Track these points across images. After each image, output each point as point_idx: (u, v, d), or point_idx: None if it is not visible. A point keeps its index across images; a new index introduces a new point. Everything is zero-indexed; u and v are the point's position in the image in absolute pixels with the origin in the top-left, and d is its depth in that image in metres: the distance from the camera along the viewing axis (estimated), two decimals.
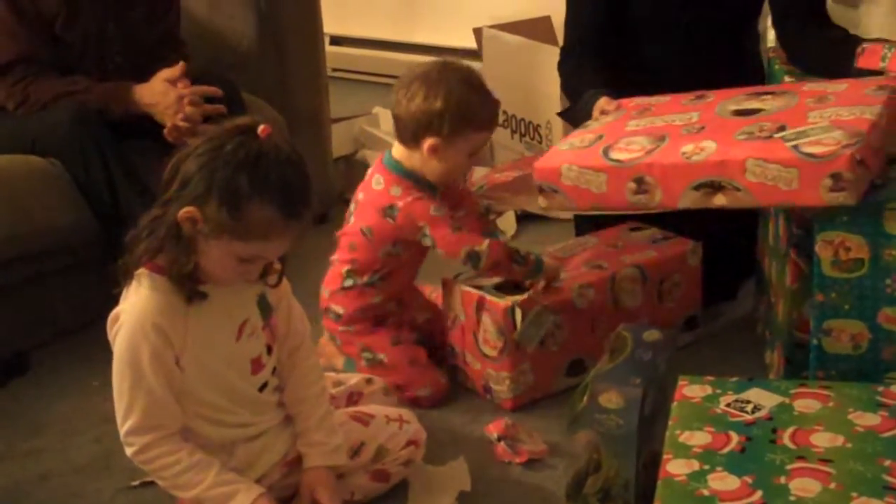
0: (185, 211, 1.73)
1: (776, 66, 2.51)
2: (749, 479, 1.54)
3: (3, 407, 2.48)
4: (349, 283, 2.40)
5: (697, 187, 1.98)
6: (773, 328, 2.30)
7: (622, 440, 1.90)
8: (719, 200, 1.97)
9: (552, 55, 3.39)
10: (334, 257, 2.45)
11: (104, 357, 2.62)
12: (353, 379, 2.23)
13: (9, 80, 2.73)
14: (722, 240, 2.65)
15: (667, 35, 2.63)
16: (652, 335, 2.05)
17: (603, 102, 2.37)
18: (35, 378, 2.59)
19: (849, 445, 1.61)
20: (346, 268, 2.40)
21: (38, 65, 2.74)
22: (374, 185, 2.38)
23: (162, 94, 2.67)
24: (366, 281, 2.39)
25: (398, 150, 2.39)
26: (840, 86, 2.13)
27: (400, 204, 2.32)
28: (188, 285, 1.80)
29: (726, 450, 1.62)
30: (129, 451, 1.84)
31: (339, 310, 2.42)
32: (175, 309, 1.81)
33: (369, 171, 2.44)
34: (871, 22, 3.40)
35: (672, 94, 2.35)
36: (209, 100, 2.69)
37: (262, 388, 1.94)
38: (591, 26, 2.64)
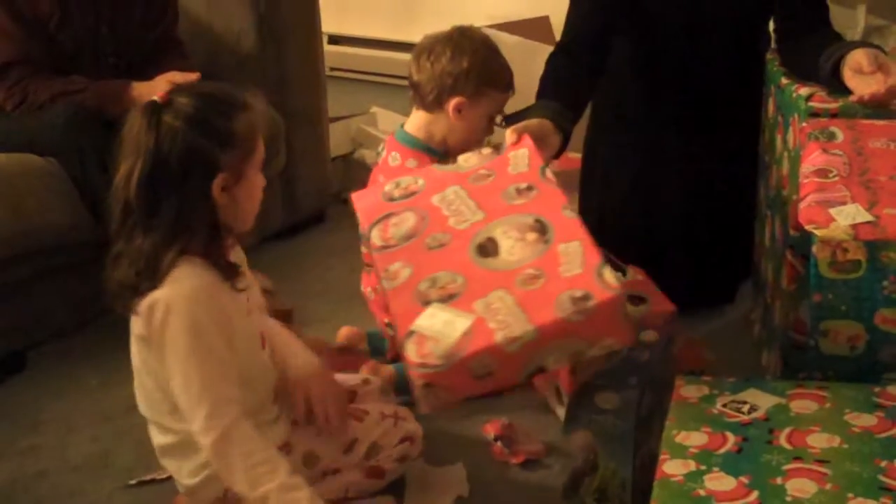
0: (216, 184, 1.78)
1: (774, 67, 2.52)
2: (745, 480, 1.55)
3: (0, 405, 2.48)
4: None
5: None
6: (769, 329, 2.30)
7: (619, 440, 1.90)
8: None
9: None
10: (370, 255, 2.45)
11: (101, 355, 2.64)
12: (351, 380, 2.23)
13: (7, 82, 2.73)
14: (719, 241, 2.66)
15: (677, 35, 2.61)
16: (648, 335, 2.05)
17: (508, 133, 2.21)
18: (33, 376, 2.59)
19: (845, 446, 1.61)
20: None
21: (35, 65, 2.75)
22: (391, 162, 2.40)
23: None
24: None
25: (411, 124, 2.42)
26: (574, 269, 1.84)
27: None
28: (224, 261, 1.84)
29: (723, 450, 1.63)
30: (208, 439, 1.78)
31: None
32: (218, 286, 1.83)
33: (381, 151, 2.45)
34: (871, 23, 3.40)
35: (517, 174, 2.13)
36: None
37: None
38: (585, 28, 2.61)
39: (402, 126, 2.43)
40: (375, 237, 2.04)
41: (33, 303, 2.67)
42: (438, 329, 1.78)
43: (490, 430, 2.24)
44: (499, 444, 2.21)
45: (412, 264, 1.95)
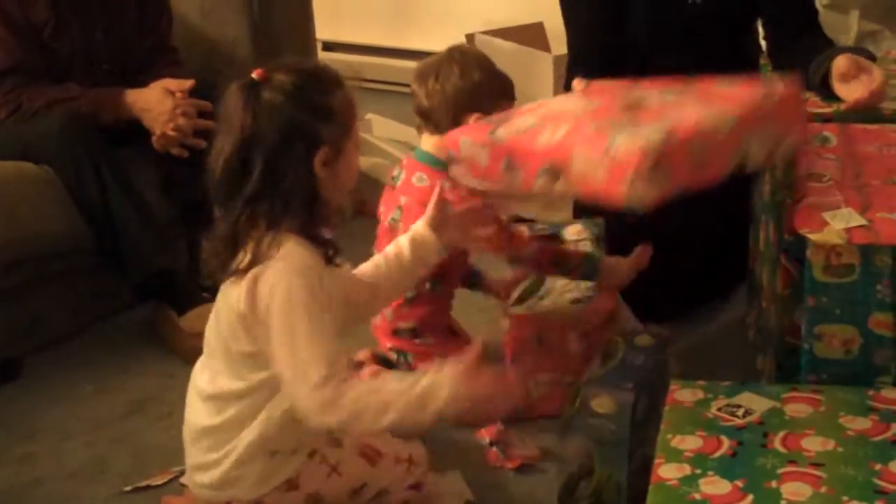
0: (318, 159, 1.79)
1: (768, 73, 2.52)
2: (740, 484, 1.55)
3: None
4: (411, 294, 2.34)
5: (543, 173, 1.90)
6: (764, 333, 2.30)
7: (614, 445, 1.90)
8: (559, 187, 1.90)
9: (544, 61, 3.41)
10: None
11: (97, 362, 2.65)
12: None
13: (1, 89, 2.73)
14: (716, 244, 2.66)
15: (666, 42, 2.62)
16: (643, 339, 2.06)
17: (575, 82, 2.27)
18: (28, 384, 2.59)
19: (840, 449, 1.62)
20: None
21: (30, 73, 2.75)
22: (417, 182, 2.37)
23: (158, 101, 2.68)
24: (427, 288, 2.36)
25: (431, 145, 2.38)
26: (739, 86, 1.98)
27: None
28: (322, 237, 1.86)
29: (718, 454, 1.63)
30: (323, 396, 1.71)
31: (410, 324, 2.39)
32: (322, 268, 1.84)
33: (399, 175, 2.42)
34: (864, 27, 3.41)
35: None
36: (201, 114, 2.70)
37: None
38: (593, 34, 2.64)
39: (419, 148, 2.40)
40: (502, 134, 1.99)
41: (29, 310, 2.67)
42: (641, 135, 1.77)
43: (485, 434, 2.24)
44: (494, 449, 2.21)
45: (567, 123, 1.93)
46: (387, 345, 2.43)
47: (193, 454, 1.93)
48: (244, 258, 1.79)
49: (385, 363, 2.47)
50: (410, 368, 2.40)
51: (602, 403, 1.89)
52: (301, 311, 1.75)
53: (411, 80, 2.38)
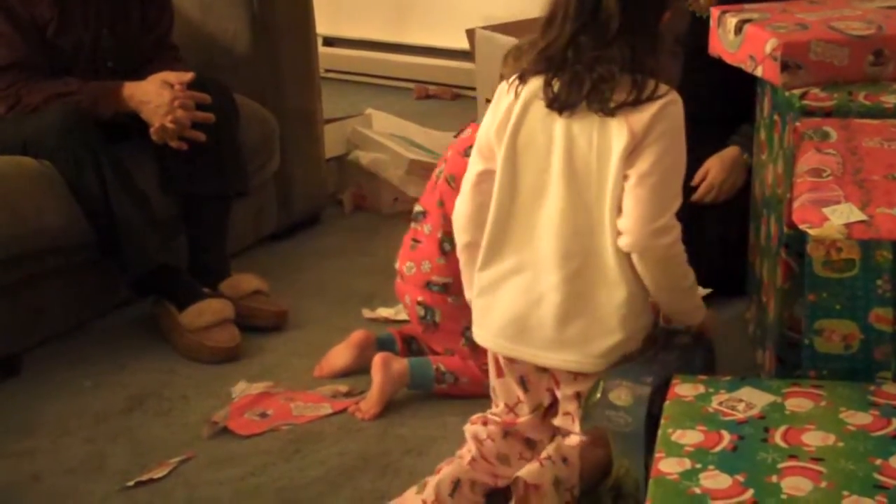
0: (665, 19, 1.93)
1: None
2: (741, 478, 1.55)
3: None
4: (448, 246, 2.34)
5: None
6: (764, 327, 2.30)
7: (630, 438, 1.89)
8: None
9: None
10: (422, 232, 2.43)
11: (96, 357, 2.65)
12: None
13: (1, 85, 2.73)
14: (722, 235, 2.67)
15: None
16: (683, 339, 2.05)
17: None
18: (27, 379, 2.59)
19: (840, 444, 1.61)
20: (440, 232, 2.37)
21: (31, 69, 2.75)
22: (463, 135, 2.44)
23: (156, 93, 2.68)
24: None
25: None
26: None
27: None
28: None
29: (718, 448, 1.63)
30: (670, 237, 1.90)
31: (444, 279, 2.38)
32: None
33: (441, 169, 2.47)
34: None
35: None
36: (199, 107, 2.70)
37: None
38: None
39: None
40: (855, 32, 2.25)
41: (28, 305, 2.66)
42: None
43: None
44: None
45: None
46: (416, 297, 2.43)
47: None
48: (644, 92, 1.88)
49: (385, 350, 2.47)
50: (434, 329, 2.43)
51: (620, 395, 1.89)
52: (678, 149, 1.91)
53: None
